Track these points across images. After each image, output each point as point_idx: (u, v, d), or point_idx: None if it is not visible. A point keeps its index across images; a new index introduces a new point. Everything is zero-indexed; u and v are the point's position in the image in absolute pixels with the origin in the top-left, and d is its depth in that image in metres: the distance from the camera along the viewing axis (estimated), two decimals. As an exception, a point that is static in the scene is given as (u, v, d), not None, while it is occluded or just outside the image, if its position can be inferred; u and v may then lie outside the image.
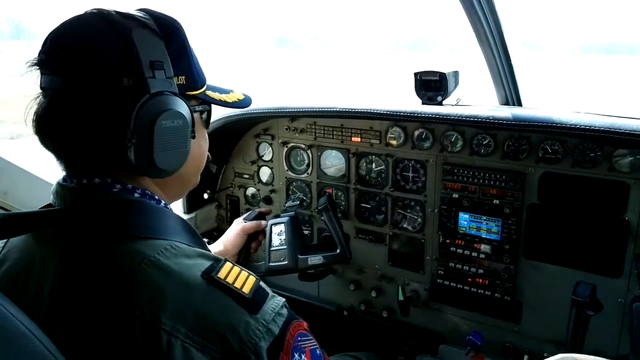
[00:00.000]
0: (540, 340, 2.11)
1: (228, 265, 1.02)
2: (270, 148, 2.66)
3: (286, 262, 2.14)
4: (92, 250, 1.00)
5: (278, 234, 2.16)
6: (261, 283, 1.05)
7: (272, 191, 2.70)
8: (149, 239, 1.01)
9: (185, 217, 2.71)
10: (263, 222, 2.19)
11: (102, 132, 1.04)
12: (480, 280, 2.19)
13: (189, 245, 1.05)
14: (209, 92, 1.26)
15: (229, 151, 2.78)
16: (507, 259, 2.10)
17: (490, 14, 2.02)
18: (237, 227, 2.14)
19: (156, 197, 1.15)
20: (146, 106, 1.02)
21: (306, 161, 2.56)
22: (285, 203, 2.42)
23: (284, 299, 1.06)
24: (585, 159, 1.89)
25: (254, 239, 2.17)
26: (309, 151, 2.53)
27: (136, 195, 1.11)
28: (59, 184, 1.11)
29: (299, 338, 1.02)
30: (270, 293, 1.05)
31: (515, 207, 2.04)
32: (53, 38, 1.07)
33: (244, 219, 2.21)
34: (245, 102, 1.40)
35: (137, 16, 1.08)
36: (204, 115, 1.26)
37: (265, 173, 2.72)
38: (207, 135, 1.30)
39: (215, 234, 2.82)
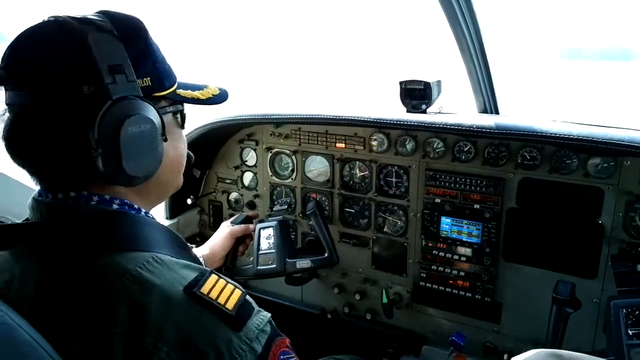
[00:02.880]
0: (519, 340, 2.19)
1: (213, 277, 1.00)
2: (254, 153, 2.67)
3: (274, 266, 2.16)
4: (71, 264, 0.97)
5: (266, 237, 2.18)
6: (247, 297, 1.02)
7: (256, 196, 2.71)
8: (130, 251, 0.98)
9: (167, 222, 2.70)
10: (251, 226, 2.21)
11: (69, 145, 1.00)
12: (461, 282, 2.26)
13: (173, 257, 1.02)
14: (180, 91, 1.20)
15: (212, 156, 2.78)
16: (487, 262, 2.17)
17: (473, 25, 2.09)
18: (225, 230, 2.15)
19: (135, 206, 1.11)
20: (109, 113, 0.98)
21: (290, 166, 2.58)
22: (273, 207, 2.43)
23: (269, 315, 1.04)
24: (561, 166, 1.98)
25: (242, 242, 2.20)
26: (293, 157, 2.55)
27: (115, 206, 1.07)
28: (34, 199, 1.08)
29: (282, 357, 1.01)
30: (256, 308, 1.03)
31: (495, 211, 2.12)
32: (12, 52, 1.02)
33: (232, 222, 2.23)
34: (221, 97, 1.35)
35: (94, 20, 1.02)
36: (178, 116, 1.21)
37: (248, 178, 2.73)
38: (183, 135, 1.25)
39: (198, 240, 2.82)
